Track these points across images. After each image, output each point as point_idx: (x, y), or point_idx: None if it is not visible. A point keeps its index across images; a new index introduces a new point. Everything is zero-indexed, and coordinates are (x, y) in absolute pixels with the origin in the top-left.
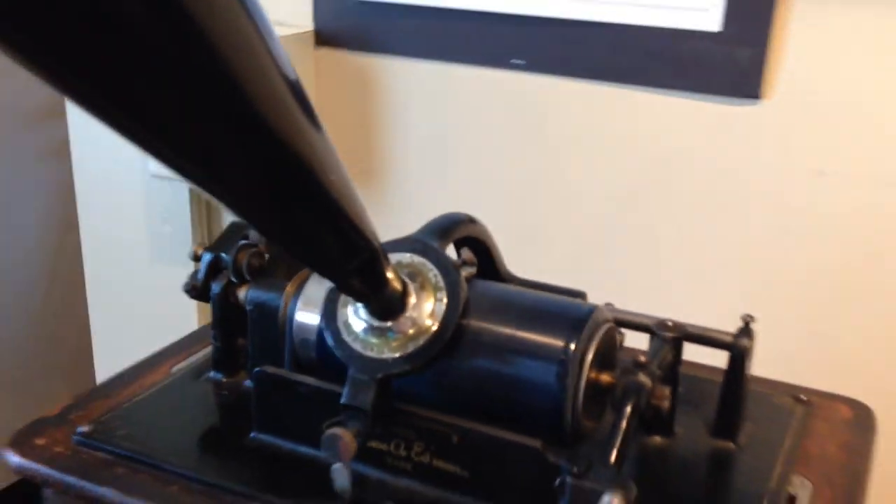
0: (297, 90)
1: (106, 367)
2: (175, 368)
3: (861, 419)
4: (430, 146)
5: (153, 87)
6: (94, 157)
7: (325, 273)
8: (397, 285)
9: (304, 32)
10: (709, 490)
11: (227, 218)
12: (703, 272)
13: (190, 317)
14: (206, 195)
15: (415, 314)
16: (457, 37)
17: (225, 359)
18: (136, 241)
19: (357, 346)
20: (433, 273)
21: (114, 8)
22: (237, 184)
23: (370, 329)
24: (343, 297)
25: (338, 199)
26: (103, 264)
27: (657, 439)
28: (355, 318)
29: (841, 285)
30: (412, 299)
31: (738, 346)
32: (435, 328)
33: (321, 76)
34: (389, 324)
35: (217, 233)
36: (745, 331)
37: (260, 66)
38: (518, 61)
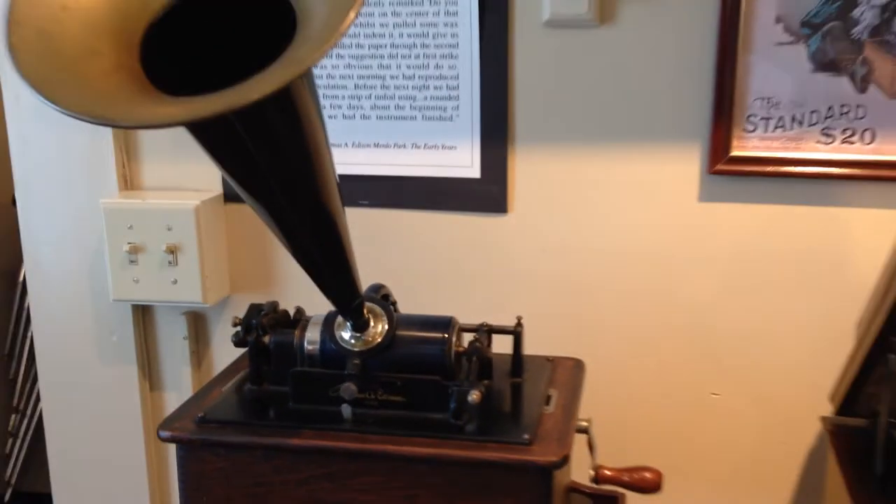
0: (339, 187)
1: (60, 450)
2: (223, 389)
3: (578, 366)
4: None
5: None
6: (50, 287)
7: (339, 307)
8: (367, 315)
9: (216, 195)
10: (514, 396)
11: (161, 329)
12: (488, 299)
13: (134, 403)
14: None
15: (375, 329)
16: None
17: (256, 377)
18: (88, 349)
19: (347, 346)
20: (379, 309)
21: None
22: (308, 242)
23: (354, 337)
24: (335, 325)
25: (350, 262)
26: (58, 367)
27: (486, 381)
28: (344, 333)
29: (560, 301)
30: (372, 322)
31: (517, 332)
32: (385, 334)
33: (230, 223)
34: (363, 334)
35: (150, 340)
36: (519, 325)
37: (329, 173)
38: (364, 202)
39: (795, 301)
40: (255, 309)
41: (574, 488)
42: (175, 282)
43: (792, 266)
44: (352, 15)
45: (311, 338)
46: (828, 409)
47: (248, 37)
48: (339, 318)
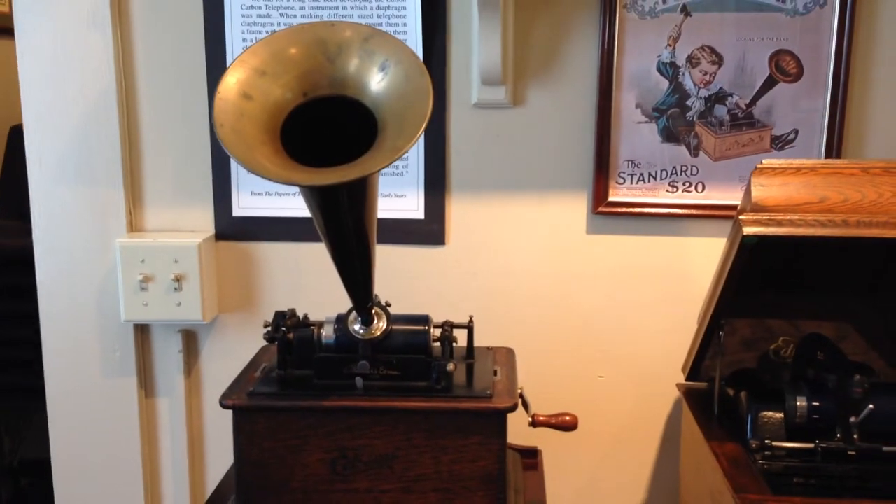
0: (376, 222)
1: (63, 450)
2: (256, 375)
3: (510, 352)
4: (289, 284)
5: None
6: (60, 305)
7: (357, 305)
8: (373, 312)
9: (210, 235)
10: (472, 370)
11: (157, 345)
12: (431, 309)
13: (132, 409)
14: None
15: (378, 324)
16: (301, 227)
17: (283, 363)
18: (91, 361)
19: (358, 336)
20: (381, 310)
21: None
22: (352, 261)
23: (363, 330)
24: (348, 322)
25: (373, 278)
26: (65, 380)
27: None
28: (355, 325)
29: (485, 310)
30: (376, 318)
31: (470, 327)
32: (384, 327)
33: (219, 257)
34: (369, 328)
35: (147, 355)
36: (470, 322)
37: (373, 219)
38: None
39: (656, 304)
40: (280, 314)
41: (507, 445)
42: (179, 304)
43: (653, 278)
44: (427, 119)
45: (327, 333)
46: (682, 380)
47: (338, 127)
48: (351, 316)
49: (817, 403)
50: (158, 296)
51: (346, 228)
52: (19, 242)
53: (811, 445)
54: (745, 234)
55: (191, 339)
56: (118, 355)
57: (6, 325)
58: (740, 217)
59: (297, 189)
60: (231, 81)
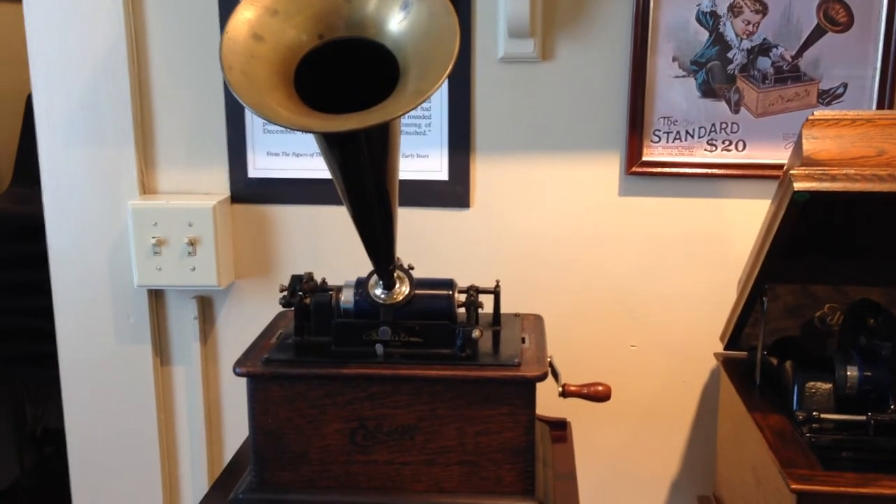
0: (398, 183)
1: (77, 426)
2: (272, 342)
3: (538, 318)
4: (307, 248)
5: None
6: (71, 269)
7: (378, 268)
8: (395, 276)
9: (225, 197)
10: (498, 338)
11: (172, 311)
12: (456, 274)
13: (147, 377)
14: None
15: (400, 288)
16: (319, 189)
17: (300, 329)
18: (105, 328)
19: (380, 301)
20: (403, 274)
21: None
22: (374, 220)
23: (384, 294)
24: (369, 286)
25: (394, 239)
26: (78, 347)
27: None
28: (376, 290)
29: (512, 274)
30: (398, 282)
31: (496, 292)
32: (407, 292)
33: (235, 220)
34: (391, 292)
35: (162, 322)
36: (497, 287)
37: (397, 177)
38: None
39: (692, 270)
40: (296, 278)
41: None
42: (194, 269)
43: (689, 242)
44: (454, 59)
45: (347, 297)
46: (719, 348)
47: (357, 73)
48: (372, 280)
49: (869, 373)
50: (172, 260)
51: (367, 183)
52: (35, 209)
53: (863, 418)
54: (796, 189)
55: (206, 306)
56: (132, 322)
57: (27, 293)
58: (791, 172)
59: (314, 150)
60: (240, 20)
